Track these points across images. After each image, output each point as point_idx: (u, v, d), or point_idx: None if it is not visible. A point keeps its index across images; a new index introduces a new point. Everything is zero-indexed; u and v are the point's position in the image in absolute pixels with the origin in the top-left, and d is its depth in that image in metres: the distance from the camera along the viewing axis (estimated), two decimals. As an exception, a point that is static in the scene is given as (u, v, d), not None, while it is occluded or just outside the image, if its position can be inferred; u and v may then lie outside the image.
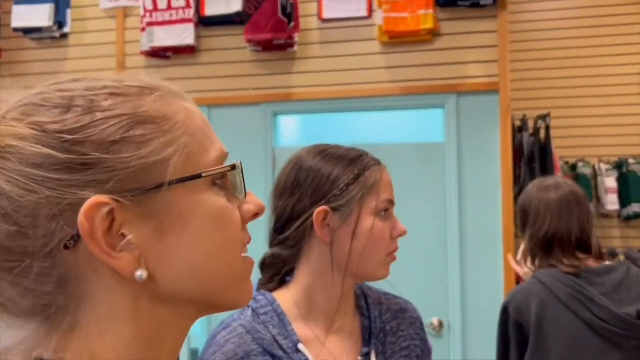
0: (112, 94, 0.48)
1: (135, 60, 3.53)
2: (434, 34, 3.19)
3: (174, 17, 3.36)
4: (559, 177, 1.95)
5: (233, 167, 0.53)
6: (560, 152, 4.01)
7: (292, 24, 3.17)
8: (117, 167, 0.46)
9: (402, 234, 1.04)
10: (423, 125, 3.41)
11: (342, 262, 1.00)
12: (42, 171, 0.44)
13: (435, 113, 3.30)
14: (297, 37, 3.27)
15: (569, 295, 1.58)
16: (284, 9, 3.15)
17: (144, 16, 3.41)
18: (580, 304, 1.57)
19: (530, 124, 3.70)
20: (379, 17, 3.19)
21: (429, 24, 3.10)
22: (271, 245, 1.05)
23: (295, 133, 3.65)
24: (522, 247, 1.87)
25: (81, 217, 0.44)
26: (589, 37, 4.33)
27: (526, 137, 3.38)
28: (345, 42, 3.31)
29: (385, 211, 1.02)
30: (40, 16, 3.50)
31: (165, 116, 0.49)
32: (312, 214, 0.98)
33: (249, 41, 3.28)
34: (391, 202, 1.04)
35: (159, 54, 3.45)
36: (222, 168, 0.52)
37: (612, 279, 1.61)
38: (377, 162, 1.06)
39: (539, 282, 1.64)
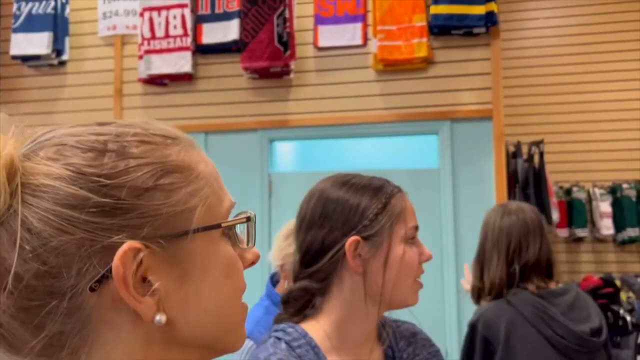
0: (141, 142, 0.50)
1: (132, 87, 3.57)
2: (428, 61, 3.24)
3: (172, 45, 3.40)
4: (514, 202, 2.03)
5: (248, 219, 0.55)
6: (555, 176, 4.04)
7: (288, 52, 3.22)
8: (150, 214, 0.47)
9: (429, 258, 1.06)
10: (417, 151, 3.44)
11: (375, 291, 1.00)
12: (78, 213, 0.45)
13: (430, 139, 3.33)
14: (293, 64, 3.31)
15: (535, 315, 1.70)
16: (280, 37, 3.20)
17: (142, 44, 3.45)
18: (543, 323, 1.69)
19: (524, 149, 3.73)
20: (373, 46, 3.24)
21: (423, 52, 3.15)
22: (298, 278, 1.05)
23: (291, 159, 3.68)
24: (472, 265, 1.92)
25: (116, 261, 0.45)
26: (581, 64, 4.40)
27: (520, 163, 3.41)
28: (341, 70, 3.35)
29: (412, 238, 1.04)
30: (39, 44, 3.54)
31: (189, 166, 0.51)
32: (344, 245, 0.98)
33: (245, 69, 3.32)
34: (417, 228, 1.05)
35: (156, 81, 3.49)
36: (239, 219, 0.54)
37: (567, 300, 1.75)
38: (399, 189, 1.06)
39: (507, 303, 1.74)
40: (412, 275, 1.02)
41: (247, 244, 0.56)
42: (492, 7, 3.08)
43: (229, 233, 0.54)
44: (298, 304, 1.05)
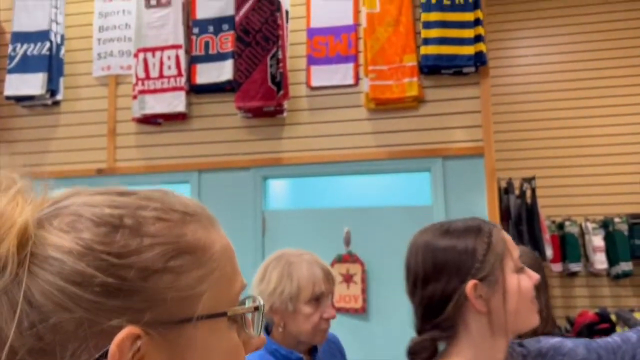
0: (159, 219, 0.48)
1: (126, 126, 3.59)
2: (419, 100, 3.29)
3: (166, 85, 3.44)
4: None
5: (257, 308, 0.54)
6: (546, 211, 4.07)
7: (282, 92, 3.26)
8: (155, 298, 0.45)
9: (538, 279, 1.10)
10: (411, 188, 3.45)
11: (500, 325, 1.04)
12: (81, 290, 0.43)
13: (422, 177, 3.35)
14: (286, 104, 3.35)
15: None
16: (273, 77, 3.25)
17: (136, 84, 3.49)
18: None
19: (516, 183, 3.76)
20: (365, 85, 3.29)
21: (413, 92, 3.21)
22: (422, 331, 1.09)
23: (284, 197, 3.68)
24: None
25: (113, 347, 0.43)
26: (570, 99, 4.48)
27: (512, 200, 3.43)
28: (333, 109, 3.39)
29: (520, 267, 1.08)
30: (33, 85, 3.56)
31: (204, 247, 0.50)
32: (464, 290, 1.03)
33: (239, 108, 3.35)
34: (520, 256, 1.10)
35: (150, 120, 3.51)
36: (247, 309, 0.53)
37: None
38: (494, 225, 1.11)
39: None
40: (530, 299, 1.07)
41: (254, 332, 0.53)
42: (481, 47, 3.15)
43: (235, 317, 0.52)
44: (426, 354, 1.09)
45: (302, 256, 1.63)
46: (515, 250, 1.08)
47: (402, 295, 1.13)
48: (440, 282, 1.04)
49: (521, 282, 1.06)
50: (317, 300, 1.57)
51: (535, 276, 1.09)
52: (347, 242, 3.22)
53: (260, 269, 1.62)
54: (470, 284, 1.02)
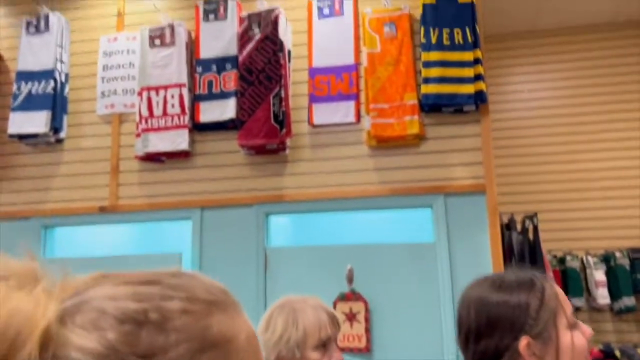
0: (184, 311, 0.48)
1: (129, 164, 3.60)
2: (420, 138, 3.32)
3: (169, 124, 3.47)
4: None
5: None
6: (547, 245, 4.07)
7: (284, 130, 3.29)
8: None
9: (591, 335, 1.09)
10: (412, 225, 3.46)
11: None
12: None
13: (424, 213, 3.36)
14: (288, 141, 3.38)
15: None
16: (276, 116, 3.28)
17: (140, 122, 3.52)
18: None
19: (518, 218, 3.78)
20: (367, 123, 3.33)
21: (415, 129, 3.24)
22: None
23: (287, 234, 3.68)
24: None
25: None
26: (569, 134, 4.53)
27: (515, 236, 3.44)
28: (335, 146, 3.42)
29: (574, 323, 1.07)
30: (37, 123, 3.59)
31: (229, 339, 0.49)
32: (517, 347, 1.02)
33: (242, 146, 3.38)
34: (572, 312, 1.10)
35: (153, 158, 3.53)
36: None
37: None
38: (545, 279, 1.10)
39: None
40: (584, 356, 1.07)
41: None
42: (481, 85, 3.21)
43: None
44: None
45: (306, 302, 1.63)
46: (568, 306, 1.07)
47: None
48: (493, 338, 1.04)
49: (575, 339, 1.04)
50: (324, 345, 1.56)
51: (589, 331, 1.08)
52: (350, 279, 3.21)
53: (264, 317, 1.61)
54: (524, 341, 1.01)
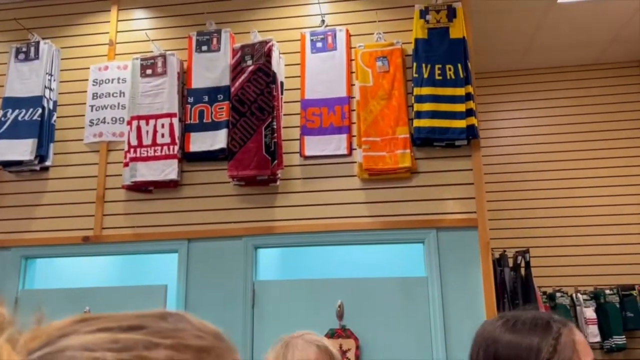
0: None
1: (115, 193, 3.53)
2: (412, 171, 3.31)
3: (159, 153, 3.42)
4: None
5: None
6: (537, 281, 4.04)
7: (276, 162, 3.26)
8: None
9: None
10: (404, 259, 3.42)
11: None
12: None
13: (416, 248, 3.33)
14: (280, 173, 3.34)
15: None
16: (267, 147, 3.25)
17: (128, 151, 3.46)
18: None
19: (509, 254, 3.75)
20: (358, 155, 3.32)
21: (406, 163, 3.23)
22: None
23: (275, 267, 3.61)
24: None
25: None
26: (558, 170, 4.58)
27: (507, 273, 3.41)
28: (327, 178, 3.39)
29: None
30: (22, 150, 3.51)
31: None
32: None
33: (232, 177, 3.33)
34: None
35: (140, 188, 3.46)
36: None
37: None
38: (566, 323, 1.03)
39: None
40: None
41: None
42: (473, 120, 3.22)
43: None
44: None
45: (302, 337, 1.60)
46: (588, 355, 1.00)
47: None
48: None
49: None
50: None
51: None
52: (340, 316, 3.14)
53: (273, 352, 1.60)
54: None
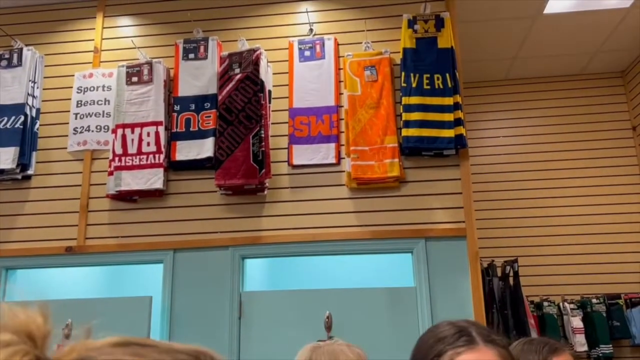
0: None
1: (99, 203, 3.46)
2: (400, 181, 3.30)
3: (144, 162, 3.36)
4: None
5: None
6: (525, 290, 4.04)
7: (264, 171, 3.22)
8: None
9: None
10: (393, 269, 3.39)
11: None
12: None
13: (405, 258, 3.30)
14: (267, 182, 3.31)
15: None
16: (255, 156, 3.22)
17: (113, 160, 3.40)
18: None
19: (498, 263, 3.75)
20: (347, 165, 3.29)
21: (395, 172, 3.22)
22: None
23: (262, 277, 3.56)
24: None
25: None
26: (545, 179, 4.60)
27: (496, 282, 3.40)
28: (315, 187, 3.37)
29: None
30: (4, 159, 3.44)
31: None
32: None
33: (219, 186, 3.29)
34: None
35: (125, 197, 3.40)
36: None
37: None
38: (467, 343, 0.94)
39: None
40: None
41: None
42: (461, 130, 3.22)
43: None
44: None
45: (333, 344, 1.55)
46: None
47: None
48: None
49: None
50: None
51: None
52: (329, 327, 3.10)
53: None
54: None
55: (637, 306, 4.12)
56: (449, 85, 3.27)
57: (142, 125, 3.42)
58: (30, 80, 3.61)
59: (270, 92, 3.46)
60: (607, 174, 4.58)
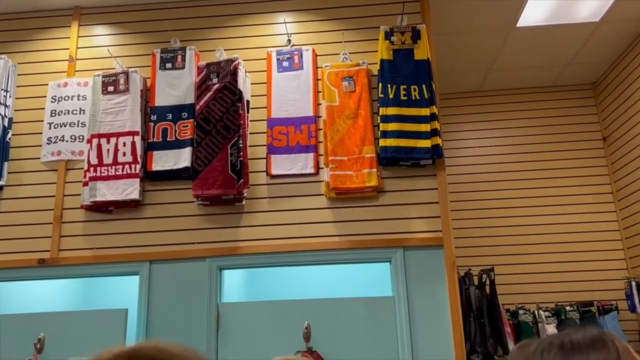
0: None
1: (73, 214, 3.40)
2: (379, 190, 3.32)
3: (120, 172, 3.32)
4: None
5: None
6: (501, 299, 4.09)
7: (242, 181, 3.21)
8: None
9: None
10: (371, 278, 3.40)
11: None
12: None
13: (383, 267, 3.32)
14: (245, 192, 3.29)
15: None
16: (233, 166, 3.21)
17: (88, 170, 3.35)
18: None
19: (474, 272, 3.79)
20: (326, 174, 3.30)
21: (373, 182, 3.24)
22: None
23: (240, 288, 3.54)
24: None
25: None
26: (518, 189, 4.68)
27: (472, 291, 3.43)
28: (293, 197, 3.36)
29: None
30: (-25, 169, 3.36)
31: None
32: None
33: (196, 196, 3.26)
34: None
35: (100, 208, 3.35)
36: None
37: None
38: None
39: None
40: None
41: None
42: (437, 140, 3.26)
43: None
44: None
45: None
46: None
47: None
48: None
49: None
50: None
51: None
52: (307, 337, 3.09)
53: None
54: None
55: (609, 313, 4.20)
56: (426, 96, 3.31)
57: (118, 135, 3.38)
58: (2, 89, 3.54)
59: (248, 102, 3.46)
60: (579, 183, 4.68)
